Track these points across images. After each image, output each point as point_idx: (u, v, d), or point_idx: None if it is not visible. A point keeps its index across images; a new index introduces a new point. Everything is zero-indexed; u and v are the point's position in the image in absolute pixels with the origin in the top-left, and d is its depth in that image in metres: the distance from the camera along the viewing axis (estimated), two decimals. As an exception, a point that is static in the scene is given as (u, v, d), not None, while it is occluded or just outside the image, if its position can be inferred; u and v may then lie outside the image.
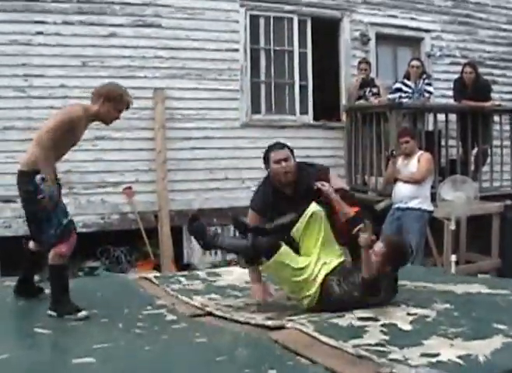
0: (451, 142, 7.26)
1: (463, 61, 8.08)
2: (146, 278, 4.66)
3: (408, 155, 6.02)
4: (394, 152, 6.12)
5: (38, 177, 3.49)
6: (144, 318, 3.53)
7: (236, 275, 4.63)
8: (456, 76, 7.55)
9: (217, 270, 5.21)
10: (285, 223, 3.69)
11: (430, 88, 7.41)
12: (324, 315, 3.34)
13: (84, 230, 6.38)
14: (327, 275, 3.53)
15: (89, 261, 6.71)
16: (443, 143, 7.20)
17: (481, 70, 7.71)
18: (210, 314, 3.58)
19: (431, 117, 7.33)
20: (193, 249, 7.07)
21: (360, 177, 7.60)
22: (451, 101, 7.62)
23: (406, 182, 5.95)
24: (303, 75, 7.82)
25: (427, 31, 8.54)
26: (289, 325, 3.14)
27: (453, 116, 7.24)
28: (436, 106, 7.58)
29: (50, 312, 3.52)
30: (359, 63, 7.70)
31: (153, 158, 6.97)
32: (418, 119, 7.16)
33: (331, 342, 2.83)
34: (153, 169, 6.98)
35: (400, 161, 6.08)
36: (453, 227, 6.02)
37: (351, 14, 8.07)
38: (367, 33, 8.16)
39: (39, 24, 6.56)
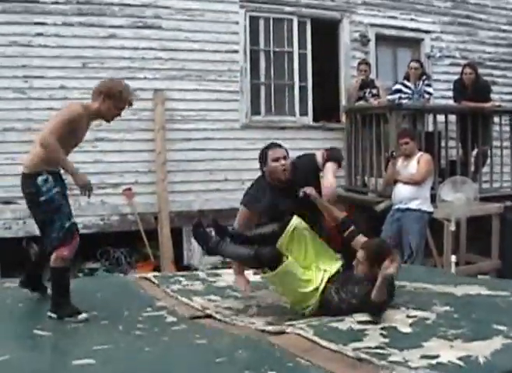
0: (451, 143, 7.26)
1: (463, 61, 8.08)
2: (146, 278, 4.66)
3: (408, 156, 6.02)
4: (393, 153, 6.11)
5: (40, 179, 3.49)
6: (144, 319, 3.53)
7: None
8: (456, 77, 7.55)
9: (217, 271, 5.22)
10: (266, 233, 3.71)
11: (430, 90, 7.41)
12: (324, 320, 3.34)
13: (84, 231, 6.35)
14: (327, 282, 3.54)
15: (89, 262, 6.71)
16: (442, 144, 7.20)
17: (481, 71, 7.71)
18: (210, 316, 3.58)
19: (431, 118, 7.32)
20: (193, 250, 7.07)
21: (360, 178, 7.60)
22: (451, 102, 7.63)
23: (406, 183, 5.95)
24: (302, 76, 7.82)
25: (427, 32, 8.54)
26: (288, 330, 3.14)
27: (453, 117, 7.24)
28: (436, 107, 7.58)
29: (50, 314, 3.52)
30: (359, 64, 7.70)
31: (153, 160, 6.97)
32: (418, 120, 7.16)
33: (331, 346, 2.83)
34: (153, 170, 6.98)
35: (400, 162, 6.08)
36: (453, 228, 6.02)
37: (350, 15, 8.07)
38: (367, 34, 8.16)
39: (39, 25, 6.56)
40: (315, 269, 3.59)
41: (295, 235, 3.60)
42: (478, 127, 7.18)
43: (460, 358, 2.63)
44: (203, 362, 2.78)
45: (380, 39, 8.29)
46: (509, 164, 7.69)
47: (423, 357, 2.68)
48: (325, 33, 7.91)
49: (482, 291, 4.03)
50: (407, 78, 7.38)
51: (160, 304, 3.90)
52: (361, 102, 7.61)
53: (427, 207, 5.97)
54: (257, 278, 4.08)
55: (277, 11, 7.65)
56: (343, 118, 7.95)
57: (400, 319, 3.28)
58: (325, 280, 3.54)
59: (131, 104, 3.73)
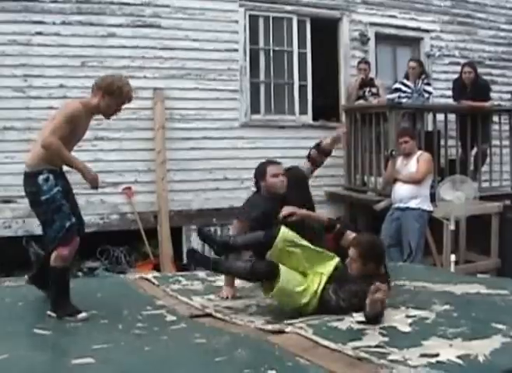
0: (450, 142, 7.26)
1: (462, 60, 8.08)
2: (146, 279, 4.66)
3: (408, 155, 6.02)
4: (393, 152, 6.12)
5: (41, 178, 3.49)
6: (143, 319, 3.53)
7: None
8: (455, 76, 7.56)
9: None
10: (249, 243, 3.75)
11: (429, 88, 7.41)
12: (323, 319, 3.34)
13: (83, 230, 6.37)
14: (325, 284, 3.54)
15: (89, 261, 6.71)
16: (442, 143, 7.20)
17: (480, 70, 7.71)
18: (210, 315, 3.58)
19: (430, 117, 7.33)
20: (192, 249, 7.05)
21: (360, 177, 7.60)
22: (450, 101, 7.63)
23: (406, 182, 5.95)
24: (302, 75, 7.82)
25: (426, 31, 8.54)
26: (288, 329, 3.14)
27: (452, 116, 7.24)
28: (436, 106, 7.58)
29: (50, 313, 3.52)
30: (359, 63, 7.70)
31: (153, 159, 6.97)
32: (417, 119, 7.17)
33: (331, 345, 2.83)
34: (153, 169, 6.98)
35: (399, 161, 6.09)
36: (452, 227, 6.02)
37: (350, 14, 8.07)
38: (366, 33, 8.15)
39: (38, 24, 6.55)
40: (311, 273, 3.60)
41: (284, 246, 3.60)
42: (478, 125, 7.18)
43: (459, 357, 2.64)
44: (202, 361, 2.78)
45: (380, 38, 8.28)
46: (508, 163, 7.70)
47: (423, 355, 2.68)
48: (325, 32, 7.90)
49: (482, 290, 4.03)
50: (407, 77, 7.38)
51: (160, 303, 3.90)
52: (361, 101, 7.61)
53: (427, 206, 5.97)
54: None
55: (277, 10, 7.65)
56: (343, 117, 7.95)
57: (399, 318, 3.29)
58: (323, 282, 3.54)
59: (130, 99, 3.70)
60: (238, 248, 3.83)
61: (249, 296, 4.03)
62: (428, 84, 7.43)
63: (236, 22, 7.43)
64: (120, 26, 6.89)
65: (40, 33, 6.56)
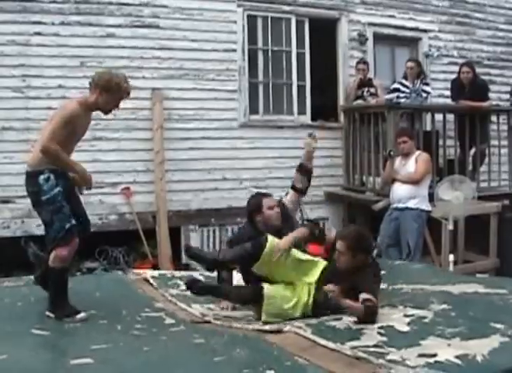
0: (449, 142, 7.25)
1: (461, 60, 8.07)
2: (145, 280, 4.65)
3: (406, 155, 6.03)
4: (391, 152, 6.13)
5: (41, 178, 3.49)
6: (142, 320, 3.53)
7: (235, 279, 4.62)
8: (454, 76, 7.56)
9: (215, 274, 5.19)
10: (238, 255, 3.74)
11: (428, 88, 7.41)
12: (321, 318, 3.35)
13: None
14: (315, 290, 3.56)
15: (87, 262, 6.70)
16: (440, 143, 7.19)
17: (479, 70, 7.71)
18: (209, 322, 3.57)
19: (429, 117, 7.33)
20: (191, 249, 7.05)
21: (358, 177, 7.60)
22: (449, 101, 7.63)
23: (404, 182, 5.96)
24: (300, 76, 7.81)
25: (425, 31, 8.53)
26: (286, 328, 3.15)
27: (451, 116, 7.24)
28: (434, 106, 7.59)
29: (48, 313, 3.52)
30: (357, 63, 7.70)
31: (151, 159, 6.96)
32: (415, 119, 7.17)
33: (329, 344, 2.84)
34: (151, 169, 6.97)
35: (398, 161, 6.09)
36: (451, 227, 6.03)
37: (349, 14, 8.07)
38: (365, 33, 8.14)
39: (37, 24, 6.55)
40: (301, 284, 3.62)
41: (271, 258, 3.60)
42: (476, 125, 7.19)
43: (457, 357, 2.64)
44: (201, 361, 2.79)
45: (378, 38, 8.28)
46: (507, 163, 7.70)
47: (421, 355, 2.69)
48: (323, 32, 7.90)
49: (480, 290, 4.04)
50: (405, 77, 7.39)
51: (159, 305, 3.90)
52: (359, 101, 7.62)
53: (425, 206, 5.98)
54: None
55: (275, 10, 7.64)
56: (341, 117, 7.95)
57: (397, 318, 3.29)
58: (313, 292, 3.57)
59: (128, 94, 3.69)
60: (227, 262, 3.83)
61: (248, 307, 4.01)
62: (426, 84, 7.43)
63: (235, 22, 7.43)
64: (118, 26, 6.89)
65: (38, 34, 6.56)
